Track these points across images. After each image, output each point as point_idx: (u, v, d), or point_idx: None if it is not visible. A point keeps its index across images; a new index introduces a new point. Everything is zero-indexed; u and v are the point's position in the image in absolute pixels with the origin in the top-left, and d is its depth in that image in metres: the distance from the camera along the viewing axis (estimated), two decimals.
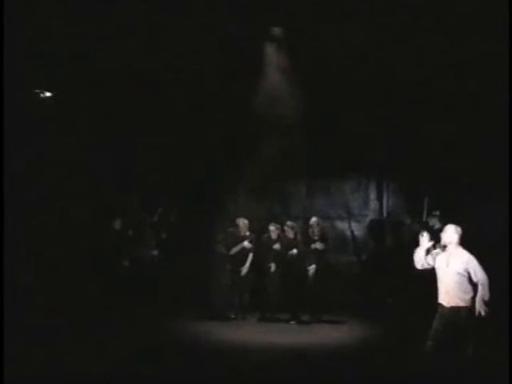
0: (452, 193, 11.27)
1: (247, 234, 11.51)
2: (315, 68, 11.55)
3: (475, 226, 10.36)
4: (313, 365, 8.33)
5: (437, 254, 7.17)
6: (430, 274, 7.25)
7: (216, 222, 12.24)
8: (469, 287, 7.00)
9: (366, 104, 11.87)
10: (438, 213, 10.31)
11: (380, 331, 10.46)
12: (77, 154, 11.29)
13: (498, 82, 9.80)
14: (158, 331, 10.00)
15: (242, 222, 11.52)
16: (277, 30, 11.89)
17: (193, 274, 11.96)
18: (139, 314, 10.42)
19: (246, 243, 11.43)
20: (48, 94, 11.22)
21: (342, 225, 13.39)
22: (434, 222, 10.39)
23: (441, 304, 7.15)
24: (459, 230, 7.16)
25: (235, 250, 11.46)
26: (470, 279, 6.99)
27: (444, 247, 7.16)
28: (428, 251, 7.19)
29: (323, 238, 11.41)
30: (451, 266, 7.05)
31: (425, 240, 7.21)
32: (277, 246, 11.43)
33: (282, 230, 11.52)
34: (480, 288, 6.93)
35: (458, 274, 7.00)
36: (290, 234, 11.47)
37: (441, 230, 7.37)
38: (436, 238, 7.23)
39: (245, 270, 11.42)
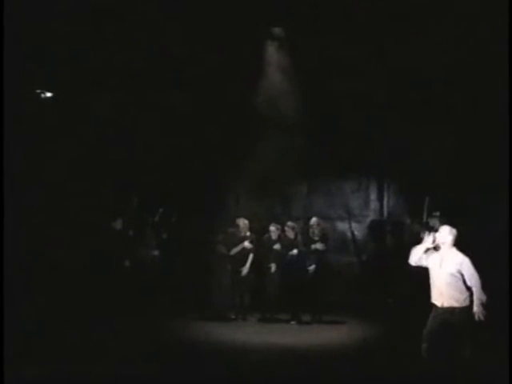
0: (452, 193, 11.26)
1: (248, 234, 11.51)
2: (316, 68, 11.55)
3: (475, 227, 10.40)
4: (313, 365, 8.33)
5: (430, 254, 7.20)
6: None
7: (216, 223, 12.26)
8: (463, 288, 6.99)
9: (366, 104, 11.87)
10: (438, 213, 10.30)
11: (380, 331, 10.46)
12: (77, 154, 11.29)
13: (498, 82, 9.80)
14: (158, 331, 10.01)
15: (243, 223, 11.52)
16: (277, 30, 11.88)
17: (193, 275, 11.97)
18: (140, 314, 10.43)
19: (246, 243, 11.43)
20: (48, 94, 11.22)
21: (342, 225, 13.37)
22: (435, 223, 10.36)
23: (434, 305, 7.16)
24: (454, 231, 7.17)
25: (236, 250, 11.45)
26: (463, 280, 6.99)
27: (438, 248, 7.18)
28: (427, 251, 7.21)
29: (324, 239, 11.41)
30: (444, 267, 7.06)
31: (429, 240, 7.20)
32: (277, 247, 11.43)
33: (283, 231, 11.52)
34: (474, 291, 6.94)
35: (451, 275, 7.00)
36: (291, 235, 11.47)
37: None
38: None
39: (245, 270, 11.41)
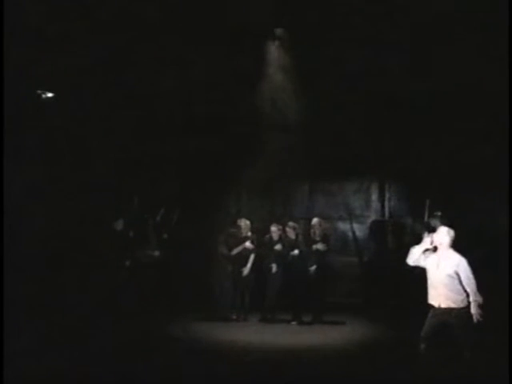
0: (453, 194, 11.26)
1: (249, 234, 11.52)
2: (318, 68, 11.54)
3: (476, 228, 10.41)
4: (314, 365, 8.34)
5: (428, 254, 7.22)
6: None
7: (218, 223, 12.26)
8: (460, 289, 7.02)
9: (368, 105, 11.86)
10: (439, 214, 10.29)
11: (381, 332, 10.46)
12: (78, 155, 11.30)
13: (497, 83, 9.80)
14: (159, 331, 10.02)
15: (244, 223, 11.54)
16: (279, 31, 11.88)
17: (194, 275, 11.95)
18: (141, 314, 10.44)
19: (247, 244, 11.44)
20: (49, 95, 11.22)
21: (343, 226, 13.38)
22: (436, 223, 10.36)
23: (432, 306, 7.17)
24: (452, 232, 7.19)
25: (237, 250, 11.46)
26: (460, 281, 7.01)
27: (435, 248, 7.20)
28: (425, 251, 7.23)
29: (325, 239, 11.41)
30: (441, 268, 7.08)
31: (427, 241, 7.23)
32: (278, 247, 11.43)
33: (284, 231, 11.53)
34: (469, 293, 6.95)
35: (448, 276, 7.03)
36: (292, 235, 11.48)
37: None
38: None
39: (246, 270, 11.42)
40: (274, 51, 11.91)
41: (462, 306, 7.00)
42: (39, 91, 11.10)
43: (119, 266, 11.11)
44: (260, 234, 11.64)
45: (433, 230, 7.54)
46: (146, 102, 11.72)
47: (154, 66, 11.28)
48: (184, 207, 12.39)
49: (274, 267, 11.39)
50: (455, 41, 10.35)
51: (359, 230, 13.37)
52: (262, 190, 12.42)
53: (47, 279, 10.21)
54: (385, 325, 10.75)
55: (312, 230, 11.45)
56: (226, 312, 11.37)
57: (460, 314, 6.97)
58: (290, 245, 11.41)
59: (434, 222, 10.69)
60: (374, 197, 13.38)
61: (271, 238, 11.49)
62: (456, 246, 7.23)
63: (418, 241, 7.40)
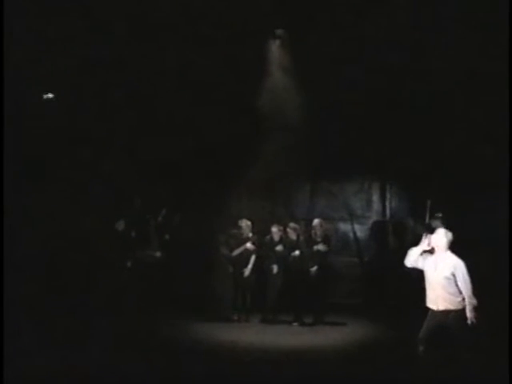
0: (455, 195, 11.25)
1: (250, 235, 11.52)
2: (319, 68, 11.53)
3: (477, 228, 10.40)
4: (315, 366, 8.34)
5: (426, 256, 7.22)
6: None
7: (219, 224, 12.25)
8: (458, 291, 7.02)
9: (369, 105, 11.86)
10: (440, 215, 10.28)
11: (382, 333, 10.46)
12: (79, 155, 11.31)
13: (498, 83, 9.79)
14: (160, 332, 10.02)
15: (245, 224, 11.53)
16: (280, 30, 11.86)
17: (195, 276, 11.95)
18: (142, 315, 10.44)
19: (248, 245, 11.44)
20: (51, 96, 11.23)
21: (344, 226, 13.36)
22: (437, 224, 10.35)
23: (430, 308, 7.17)
24: (449, 234, 7.21)
25: (238, 251, 11.46)
26: (457, 283, 7.01)
27: (432, 250, 7.20)
28: (423, 253, 7.24)
29: (326, 240, 11.42)
30: (439, 270, 7.09)
31: (425, 242, 7.24)
32: (279, 248, 11.43)
33: (285, 232, 11.53)
34: (464, 295, 6.96)
35: (446, 278, 7.04)
36: (293, 236, 11.48)
37: None
38: None
39: (247, 271, 11.42)
40: (274, 51, 11.89)
41: (459, 307, 7.01)
42: (40, 91, 11.11)
43: (121, 266, 11.11)
44: (261, 234, 11.64)
45: (433, 231, 7.53)
46: (147, 102, 11.72)
47: (155, 66, 11.27)
48: (185, 208, 12.39)
49: (275, 268, 11.38)
50: (455, 40, 10.34)
51: (360, 230, 13.35)
52: (263, 190, 12.40)
53: (48, 279, 10.22)
54: (386, 325, 10.74)
55: (313, 231, 11.45)
56: (227, 313, 11.38)
57: (458, 316, 6.98)
58: (291, 245, 11.41)
59: (435, 223, 10.69)
60: (375, 197, 13.36)
61: (272, 238, 11.49)
62: (456, 246, 7.23)
63: (419, 242, 7.39)
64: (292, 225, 11.61)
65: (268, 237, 11.54)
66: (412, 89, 11.36)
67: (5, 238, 8.12)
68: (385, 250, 12.94)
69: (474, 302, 6.94)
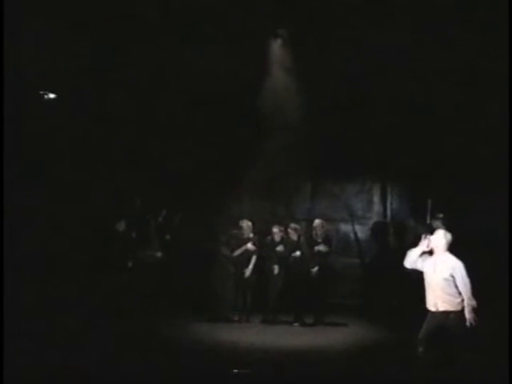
0: (455, 195, 11.24)
1: (251, 236, 11.53)
2: (321, 68, 11.53)
3: (477, 229, 10.38)
4: (316, 367, 8.33)
5: (425, 258, 7.21)
6: None
7: (220, 224, 12.25)
8: (457, 292, 7.00)
9: (369, 105, 11.85)
10: (441, 215, 10.27)
11: (383, 333, 10.45)
12: (79, 156, 11.31)
13: (497, 83, 9.79)
14: (160, 332, 10.01)
15: (246, 224, 11.54)
16: (281, 30, 11.85)
17: (196, 276, 11.95)
18: (142, 315, 10.43)
19: (249, 245, 11.45)
20: (52, 96, 11.24)
21: (345, 227, 13.36)
22: (437, 225, 10.35)
23: (430, 309, 7.16)
24: (448, 236, 7.20)
25: (239, 252, 11.48)
26: (456, 284, 7.00)
27: (431, 251, 7.20)
28: (422, 254, 7.23)
29: (327, 240, 11.43)
30: (438, 272, 7.09)
31: (424, 244, 7.23)
32: (280, 248, 11.44)
33: (286, 232, 11.54)
34: (464, 296, 6.95)
35: (445, 279, 7.03)
36: (294, 236, 11.49)
37: None
38: None
39: (248, 272, 11.43)
40: (275, 50, 11.88)
41: (459, 308, 7.00)
42: (40, 92, 11.12)
43: (121, 266, 11.09)
44: (262, 235, 11.65)
45: (433, 231, 7.52)
46: (147, 102, 11.72)
47: (155, 66, 11.28)
48: (186, 208, 12.38)
49: (276, 268, 11.39)
50: (455, 41, 10.34)
51: (361, 231, 13.36)
52: (263, 190, 12.39)
53: (48, 279, 10.21)
54: (386, 326, 10.72)
55: (314, 232, 11.47)
56: (228, 313, 11.39)
57: (457, 317, 6.97)
58: (291, 246, 11.42)
59: (435, 223, 10.69)
60: (376, 198, 13.37)
61: (273, 239, 11.49)
62: (456, 247, 7.22)
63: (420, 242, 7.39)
64: (293, 225, 11.62)
65: (269, 237, 11.55)
66: (412, 89, 11.36)
67: (5, 238, 8.13)
68: (385, 250, 12.93)
69: (473, 303, 6.93)
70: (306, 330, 10.99)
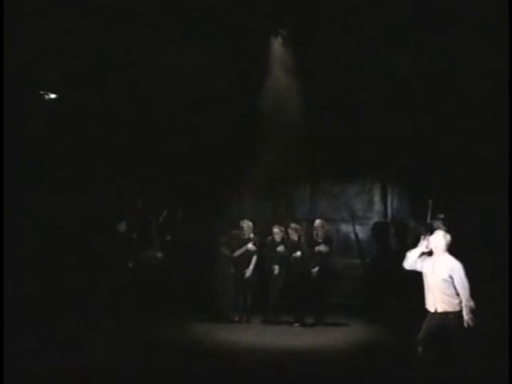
0: (454, 195, 11.24)
1: (251, 236, 11.52)
2: (321, 68, 11.53)
3: (476, 229, 10.38)
4: (316, 367, 8.32)
5: (424, 258, 7.21)
6: None
7: (220, 225, 12.25)
8: (455, 293, 6.99)
9: (370, 105, 11.85)
10: (442, 216, 10.27)
11: (384, 334, 10.43)
12: (80, 156, 11.32)
13: (498, 83, 9.79)
14: (161, 333, 10.01)
15: (247, 224, 11.53)
16: (282, 29, 11.85)
17: (197, 276, 11.95)
18: (143, 315, 10.44)
19: (250, 245, 11.44)
20: (52, 96, 11.25)
21: (346, 227, 13.37)
22: (438, 225, 10.35)
23: (429, 310, 7.16)
24: (448, 236, 7.19)
25: (239, 252, 11.46)
26: (454, 285, 6.99)
27: (430, 252, 7.19)
28: (421, 255, 7.23)
29: (327, 241, 11.42)
30: (437, 272, 7.08)
31: (423, 244, 7.22)
32: (281, 249, 11.43)
33: (286, 233, 11.52)
34: (462, 297, 6.94)
35: (444, 280, 7.02)
36: (294, 237, 11.48)
37: None
38: None
39: (249, 272, 11.42)
40: (276, 50, 11.88)
41: (458, 309, 6.99)
42: (40, 92, 11.13)
43: (122, 267, 11.09)
44: (262, 235, 11.63)
45: (434, 232, 7.51)
46: (147, 102, 11.72)
47: (155, 66, 11.28)
48: (187, 209, 12.38)
49: (277, 269, 11.38)
50: (455, 40, 10.33)
51: (361, 231, 13.35)
52: (264, 191, 12.40)
53: (48, 280, 10.22)
54: (387, 326, 10.72)
55: (314, 232, 11.46)
56: (229, 313, 11.36)
57: (456, 317, 6.96)
58: (292, 246, 11.41)
59: (436, 223, 10.68)
60: (377, 198, 13.37)
61: (273, 239, 11.48)
62: (456, 247, 7.22)
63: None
64: (293, 225, 11.60)
65: (269, 237, 11.54)
66: (412, 89, 11.35)
67: (5, 238, 8.14)
68: (386, 250, 12.94)
69: (472, 304, 6.92)
70: (306, 330, 10.98)
